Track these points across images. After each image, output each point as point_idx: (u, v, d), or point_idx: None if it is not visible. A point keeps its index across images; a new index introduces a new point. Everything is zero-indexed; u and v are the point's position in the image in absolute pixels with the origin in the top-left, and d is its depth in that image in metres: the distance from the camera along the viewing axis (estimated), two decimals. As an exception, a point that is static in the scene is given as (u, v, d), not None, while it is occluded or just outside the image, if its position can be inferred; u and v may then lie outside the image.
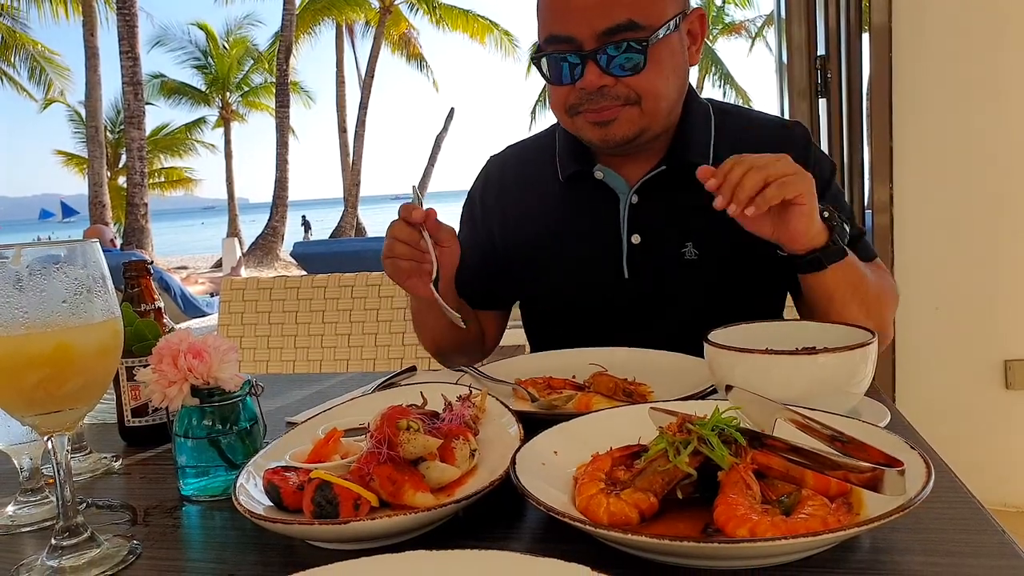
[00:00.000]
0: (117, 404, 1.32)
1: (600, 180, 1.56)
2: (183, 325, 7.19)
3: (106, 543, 0.92)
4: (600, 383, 1.35)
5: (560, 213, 1.63)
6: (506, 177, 1.75)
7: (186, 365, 1.01)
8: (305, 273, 9.01)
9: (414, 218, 1.43)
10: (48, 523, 1.01)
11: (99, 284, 0.86)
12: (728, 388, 1.07)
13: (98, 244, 0.87)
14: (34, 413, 0.84)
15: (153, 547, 0.93)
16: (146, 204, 19.74)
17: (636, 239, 1.55)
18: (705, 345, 1.17)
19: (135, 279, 1.33)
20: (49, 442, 0.87)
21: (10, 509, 1.05)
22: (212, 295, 8.20)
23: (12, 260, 0.80)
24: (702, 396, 1.23)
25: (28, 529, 1.00)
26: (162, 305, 1.34)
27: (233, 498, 0.89)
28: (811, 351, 1.09)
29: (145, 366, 1.23)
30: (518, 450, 0.97)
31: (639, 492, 0.86)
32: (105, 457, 1.25)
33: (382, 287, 2.51)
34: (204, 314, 7.36)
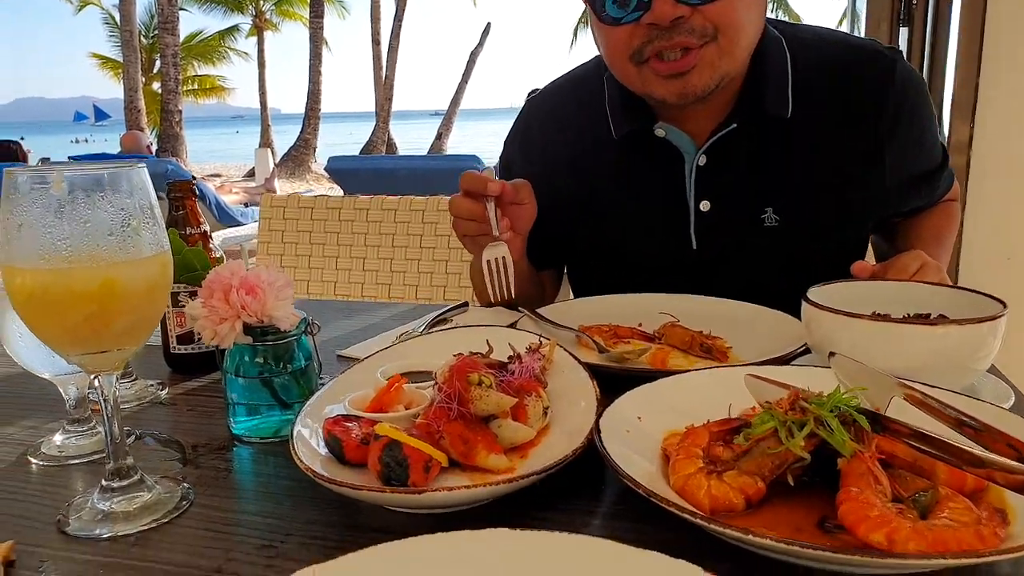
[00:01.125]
0: (162, 329, 1.25)
1: (662, 138, 1.38)
2: (218, 235, 7.18)
3: (157, 487, 0.85)
4: (673, 335, 1.25)
5: (614, 171, 1.45)
6: (550, 123, 1.55)
7: (239, 302, 0.92)
8: (337, 187, 8.91)
9: (489, 191, 1.30)
10: (97, 456, 0.95)
11: (147, 215, 0.77)
12: (831, 355, 0.97)
13: (145, 170, 0.78)
14: (80, 352, 0.76)
15: (205, 493, 0.86)
16: (180, 111, 19.63)
17: (705, 206, 1.38)
18: (804, 305, 1.06)
19: (180, 200, 1.24)
20: (96, 380, 0.79)
21: (58, 439, 0.99)
22: (246, 205, 8.16)
23: (53, 185, 0.70)
24: (791, 358, 1.13)
25: (76, 462, 0.94)
26: (208, 228, 1.26)
27: (292, 452, 0.82)
28: (927, 319, 0.98)
29: (191, 293, 1.15)
30: (601, 414, 0.88)
31: (745, 475, 0.77)
32: (151, 384, 1.19)
33: (426, 212, 2.41)
34: (238, 223, 7.34)
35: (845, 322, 1.00)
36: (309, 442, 0.87)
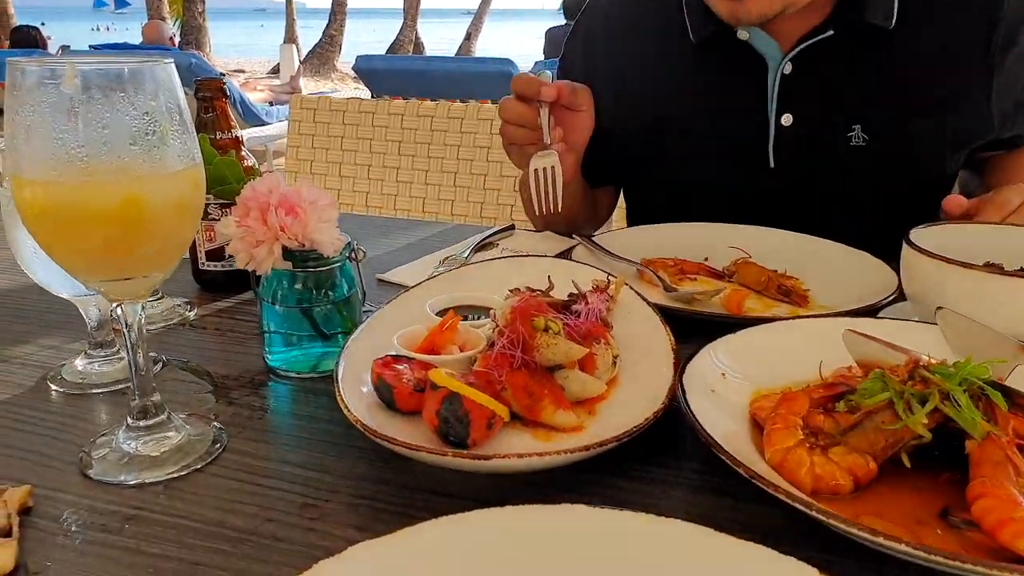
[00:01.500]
0: (188, 244, 1.15)
1: (744, 42, 1.26)
2: (243, 134, 7.03)
3: (187, 427, 0.77)
4: (747, 274, 1.14)
5: (687, 79, 1.34)
6: (616, 24, 1.42)
7: (277, 223, 0.82)
8: (363, 88, 8.66)
9: (543, 95, 1.17)
10: (120, 385, 0.87)
11: (176, 120, 0.66)
12: (938, 310, 0.86)
13: (173, 66, 0.66)
14: (100, 279, 0.67)
15: (238, 436, 0.78)
16: (203, 1, 19.08)
17: (787, 120, 1.27)
18: (905, 249, 0.94)
19: (210, 101, 1.12)
20: (119, 309, 0.70)
21: (80, 364, 0.91)
22: (271, 104, 7.97)
23: (64, 80, 0.59)
24: (877, 308, 1.02)
25: (100, 391, 0.86)
26: (240, 134, 1.14)
27: (338, 397, 0.73)
28: (1054, 274, 0.86)
29: (221, 205, 1.05)
30: (682, 368, 0.78)
31: (854, 453, 0.67)
32: (178, 304, 1.10)
33: (464, 120, 2.27)
34: (263, 123, 7.18)
35: (955, 273, 0.88)
36: (355, 385, 0.78)
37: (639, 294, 0.98)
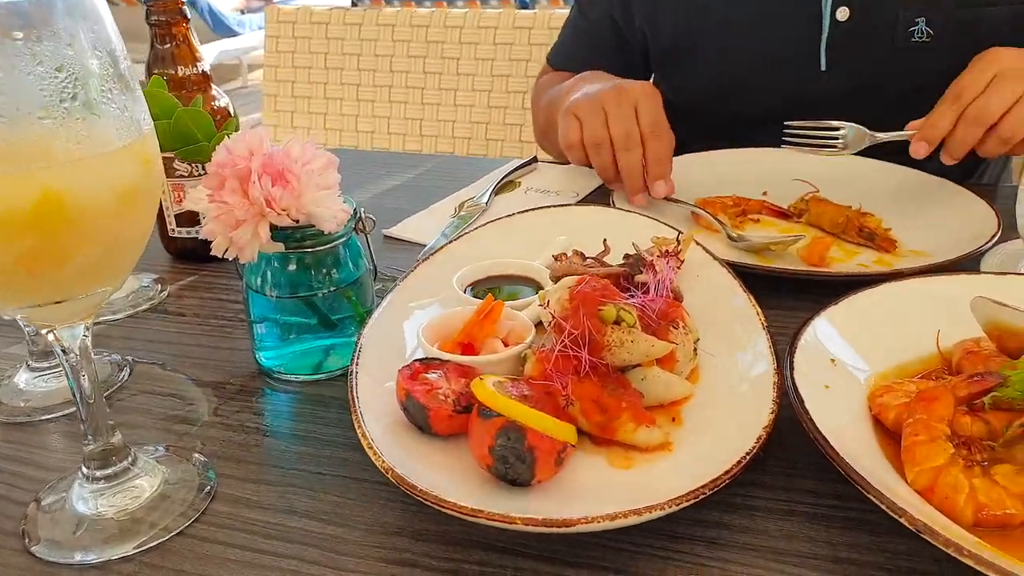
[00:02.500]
0: (155, 204, 0.96)
1: None
2: (212, 47, 6.63)
3: (163, 469, 0.61)
4: (821, 213, 0.96)
5: None
6: None
7: (262, 196, 0.63)
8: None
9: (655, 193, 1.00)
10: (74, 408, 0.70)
11: (108, 74, 0.46)
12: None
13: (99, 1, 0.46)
14: (20, 305, 0.49)
15: (231, 475, 0.62)
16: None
17: (843, 14, 1.13)
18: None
19: (166, 26, 0.90)
20: (51, 335, 0.52)
21: (22, 380, 0.73)
22: (242, 12, 7.51)
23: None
24: (978, 255, 0.85)
25: (47, 417, 0.69)
26: (208, 67, 0.93)
27: (360, 430, 0.56)
28: None
29: (192, 164, 0.86)
30: (788, 359, 0.61)
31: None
32: (146, 284, 0.92)
33: (463, 30, 2.03)
34: (235, 34, 6.77)
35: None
36: (376, 400, 0.61)
37: (710, 252, 0.80)
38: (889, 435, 0.59)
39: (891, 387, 0.62)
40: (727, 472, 0.52)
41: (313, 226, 0.67)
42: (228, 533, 0.56)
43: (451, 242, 0.85)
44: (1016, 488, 0.52)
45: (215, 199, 0.64)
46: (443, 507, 0.49)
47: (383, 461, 0.53)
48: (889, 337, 0.69)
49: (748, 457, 0.53)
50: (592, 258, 0.77)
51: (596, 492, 0.54)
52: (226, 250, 0.65)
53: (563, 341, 0.60)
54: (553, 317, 0.63)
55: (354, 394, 0.60)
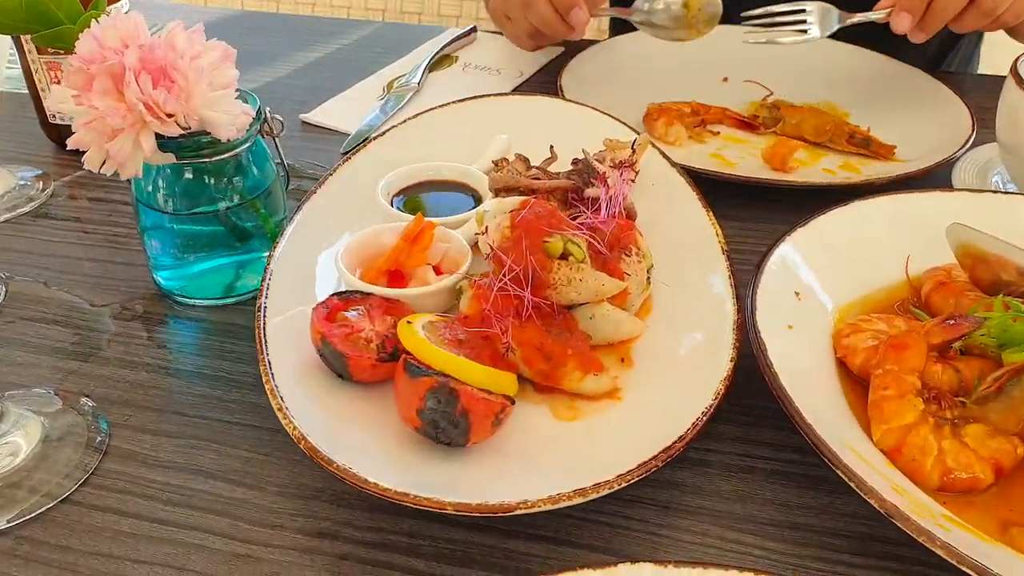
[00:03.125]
0: (28, 84, 0.83)
1: None
2: None
3: (43, 421, 0.53)
4: (802, 121, 0.87)
5: None
6: None
7: (141, 101, 0.52)
8: None
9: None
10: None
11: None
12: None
13: None
14: None
15: (126, 423, 0.55)
16: None
17: None
18: (1010, 85, 0.71)
19: None
20: None
21: None
22: None
23: None
24: (951, 162, 0.79)
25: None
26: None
27: (271, 392, 0.49)
28: None
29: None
30: (751, 291, 0.56)
31: (998, 435, 0.48)
32: (24, 181, 0.80)
33: None
34: None
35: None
36: (292, 344, 0.54)
37: (667, 158, 0.72)
38: (854, 380, 0.55)
39: (857, 326, 0.57)
40: (681, 438, 0.46)
41: (208, 133, 0.57)
42: (122, 499, 0.49)
43: (375, 138, 0.75)
44: (985, 452, 0.48)
45: (83, 102, 0.53)
46: (365, 488, 0.43)
47: (295, 428, 0.46)
48: (856, 264, 0.63)
49: (704, 418, 0.48)
50: (537, 167, 0.69)
51: (538, 452, 0.49)
52: (102, 164, 0.55)
53: (503, 279, 0.53)
54: (492, 248, 0.55)
55: (262, 337, 0.53)
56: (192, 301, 0.65)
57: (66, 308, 0.65)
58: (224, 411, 0.55)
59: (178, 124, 0.55)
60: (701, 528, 0.47)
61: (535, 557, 0.46)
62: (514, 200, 0.58)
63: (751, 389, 0.54)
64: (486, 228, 0.57)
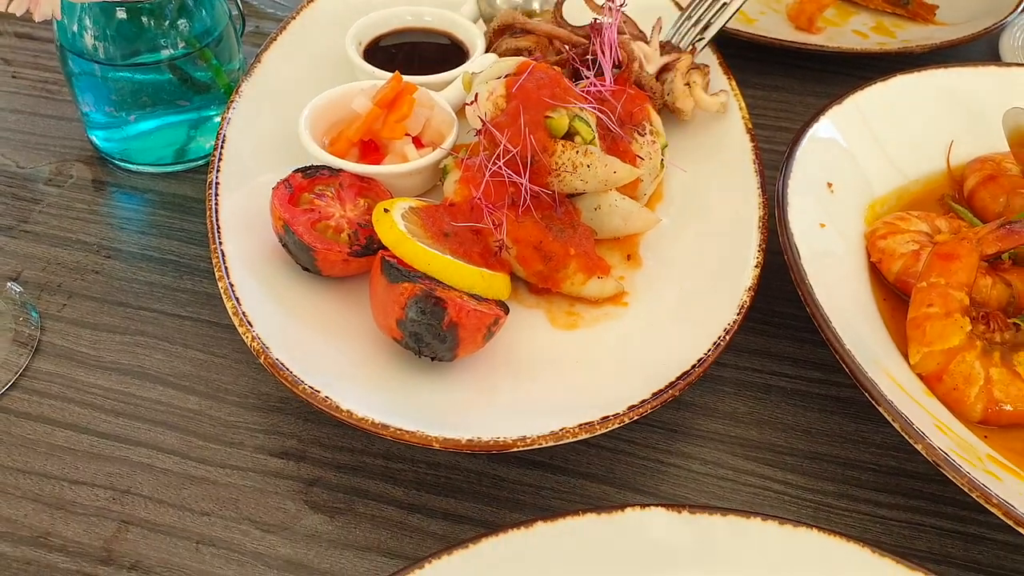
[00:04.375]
0: None
1: None
2: None
3: (-38, 304, 0.46)
4: None
5: None
6: None
7: (51, -79, 0.42)
8: None
9: None
10: None
11: None
12: None
13: None
14: None
15: (61, 316, 0.48)
16: None
17: None
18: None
19: None
20: None
21: None
22: None
23: None
24: (999, 29, 0.70)
25: None
26: None
27: (227, 293, 0.42)
28: None
29: None
30: (782, 192, 0.48)
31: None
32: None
33: None
34: None
35: None
36: (247, 222, 0.46)
37: (680, 5, 0.63)
38: (888, 288, 0.49)
39: (895, 226, 0.50)
40: (700, 361, 0.40)
41: (143, -34, 0.46)
42: (57, 406, 0.43)
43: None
44: (1035, 382, 0.43)
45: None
46: (337, 417, 0.37)
47: (254, 339, 0.39)
48: (894, 148, 0.56)
49: (727, 336, 0.42)
50: (534, 14, 0.59)
51: (534, 369, 0.43)
52: (9, 6, 0.44)
53: (496, 162, 0.45)
54: (483, 122, 0.47)
55: (215, 222, 0.45)
56: (135, 167, 0.56)
57: (-9, 173, 0.56)
58: (173, 302, 0.48)
59: (100, -46, 0.44)
60: (713, 456, 0.43)
61: (527, 487, 0.41)
62: (510, 62, 0.49)
63: (772, 291, 0.48)
64: (476, 96, 0.48)
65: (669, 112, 0.56)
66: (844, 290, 0.47)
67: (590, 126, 0.46)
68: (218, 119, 0.56)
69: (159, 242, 0.52)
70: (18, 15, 0.45)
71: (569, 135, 0.46)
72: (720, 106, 0.56)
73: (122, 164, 0.56)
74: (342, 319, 0.44)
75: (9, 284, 0.48)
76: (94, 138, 0.56)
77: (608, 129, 0.49)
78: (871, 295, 0.48)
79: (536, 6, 0.63)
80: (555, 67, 0.50)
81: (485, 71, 0.50)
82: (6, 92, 0.62)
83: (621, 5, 0.57)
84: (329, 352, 0.41)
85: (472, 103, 0.48)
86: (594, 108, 0.47)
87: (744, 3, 0.60)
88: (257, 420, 0.43)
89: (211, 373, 0.45)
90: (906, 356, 0.45)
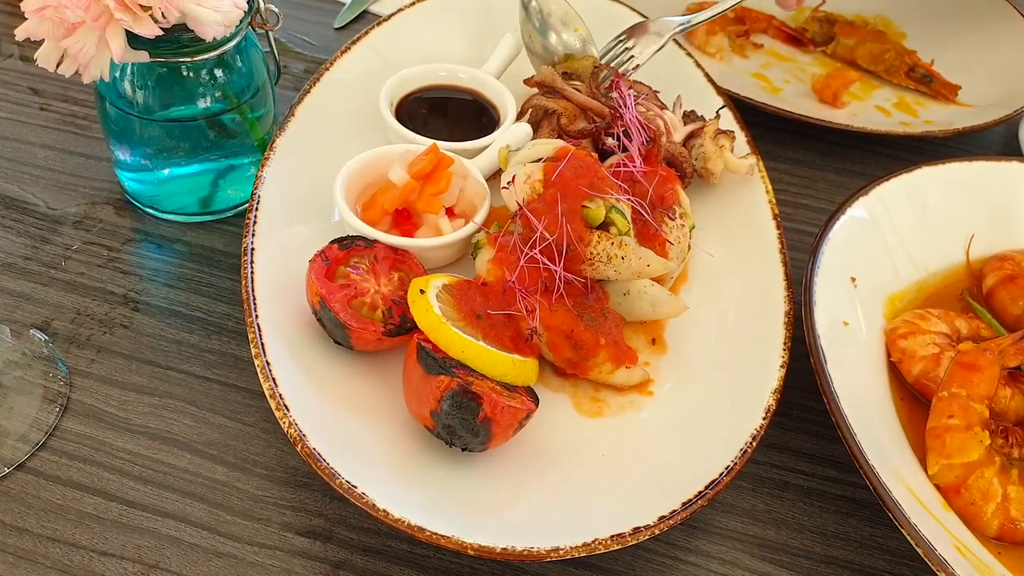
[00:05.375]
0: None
1: None
2: None
3: (-9, 356, 0.46)
4: (857, 45, 0.76)
5: None
6: None
7: (109, -9, 0.42)
8: None
9: None
10: None
11: None
12: None
13: None
14: None
15: (89, 372, 0.48)
16: None
17: None
18: None
19: None
20: None
21: None
22: None
23: None
24: (1018, 116, 0.71)
25: None
26: None
27: (260, 363, 0.42)
28: None
29: None
30: (808, 292, 0.49)
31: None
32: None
33: None
34: None
35: None
36: (281, 293, 0.46)
37: (711, 80, 0.63)
38: (905, 387, 0.50)
39: (915, 326, 0.51)
40: (728, 468, 0.41)
41: (190, 30, 0.46)
42: (86, 471, 0.43)
43: (377, 26, 0.64)
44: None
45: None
46: (374, 515, 0.37)
47: (292, 425, 0.39)
48: (913, 241, 0.57)
49: (753, 443, 0.43)
50: (576, 83, 0.59)
51: (560, 460, 0.44)
52: (59, 63, 0.44)
53: (531, 249, 0.46)
54: (520, 206, 0.47)
55: (251, 292, 0.45)
56: (163, 215, 0.56)
57: (16, 209, 0.56)
58: (201, 364, 0.49)
59: (154, 19, 0.44)
60: (731, 556, 0.43)
61: (550, 581, 0.41)
62: (548, 146, 0.50)
63: (790, 380, 0.49)
64: (513, 179, 0.48)
65: (697, 177, 0.57)
66: (862, 387, 0.48)
67: (626, 217, 0.47)
68: (250, 170, 0.56)
69: (187, 297, 0.52)
70: (67, 76, 0.45)
71: (604, 225, 0.47)
72: (749, 168, 0.57)
73: (150, 211, 0.56)
74: (373, 398, 0.44)
75: (34, 332, 0.48)
76: (124, 181, 0.56)
77: (640, 214, 0.49)
78: (889, 394, 0.49)
79: (577, 45, 0.63)
80: (592, 154, 0.51)
81: (523, 151, 0.50)
82: (35, 126, 0.62)
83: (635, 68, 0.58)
84: (362, 437, 0.42)
85: (510, 184, 0.48)
86: (630, 199, 0.48)
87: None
88: (284, 495, 0.43)
89: (239, 442, 0.45)
90: (922, 461, 0.46)
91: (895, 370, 0.51)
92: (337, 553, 0.41)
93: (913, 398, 0.50)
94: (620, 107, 0.55)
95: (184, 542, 0.41)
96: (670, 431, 0.45)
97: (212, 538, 0.41)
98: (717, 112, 0.60)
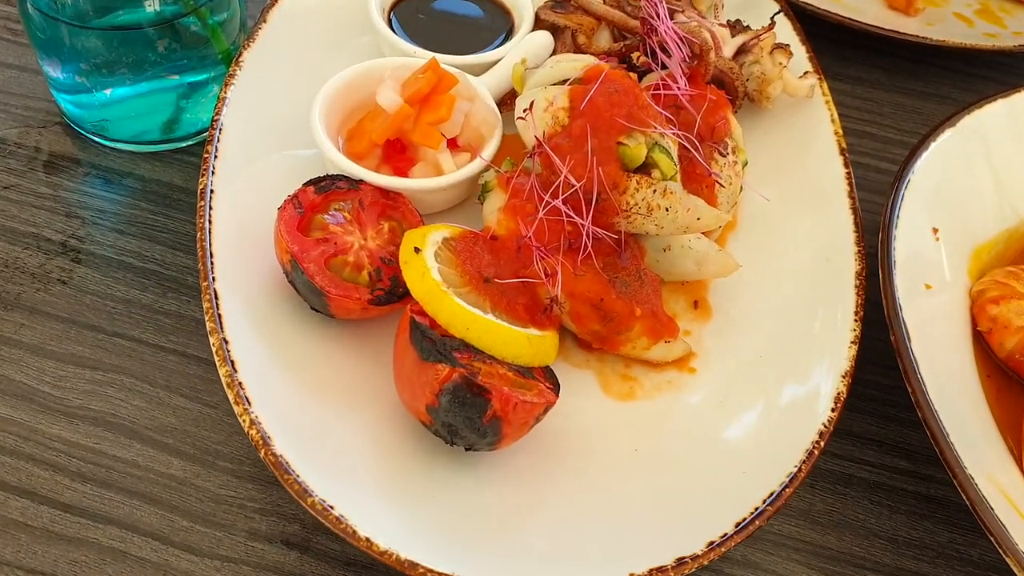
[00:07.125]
0: None
1: None
2: None
3: None
4: None
5: None
6: None
7: None
8: None
9: None
10: None
11: None
12: None
13: None
14: None
15: (18, 345, 0.40)
16: None
17: None
18: None
19: None
20: None
21: None
22: None
23: None
24: None
25: None
26: None
27: (218, 347, 0.34)
28: None
29: None
30: (887, 253, 0.40)
31: None
32: None
33: None
34: None
35: None
36: (247, 249, 0.38)
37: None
38: (992, 362, 0.42)
39: (1009, 288, 0.43)
40: (792, 477, 0.34)
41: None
42: (11, 465, 0.36)
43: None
44: None
45: None
46: (355, 543, 0.30)
47: (253, 424, 0.32)
48: (1010, 179, 0.48)
49: (816, 449, 0.35)
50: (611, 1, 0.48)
51: (584, 457, 0.36)
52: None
53: (553, 199, 0.37)
54: (539, 141, 0.38)
55: (207, 246, 0.36)
56: (112, 143, 0.47)
57: (-65, 135, 0.47)
58: (155, 329, 0.41)
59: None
60: (784, 568, 0.36)
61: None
62: (575, 63, 0.40)
63: (860, 358, 0.41)
64: (530, 106, 0.39)
65: (748, 101, 0.48)
66: (944, 363, 0.40)
67: (672, 158, 0.38)
68: (214, 89, 0.47)
69: (140, 245, 0.44)
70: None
71: (644, 167, 0.37)
72: (809, 89, 0.48)
73: (96, 138, 0.47)
74: (358, 380, 0.37)
75: (-42, 293, 0.40)
76: (61, 103, 0.47)
77: (687, 151, 0.40)
78: (975, 372, 0.42)
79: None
80: (630, 74, 0.41)
81: (543, 70, 0.41)
82: (-39, 31, 0.52)
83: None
84: (342, 436, 0.34)
85: (526, 113, 0.39)
86: (676, 133, 0.39)
87: None
88: (253, 495, 0.36)
89: (199, 429, 0.38)
90: (1011, 450, 0.39)
91: (982, 341, 0.43)
92: (315, 568, 0.34)
93: (1003, 375, 0.42)
94: (652, 18, 0.45)
95: (130, 556, 0.34)
96: (716, 421, 0.37)
97: (164, 550, 0.34)
98: (772, 19, 0.50)
